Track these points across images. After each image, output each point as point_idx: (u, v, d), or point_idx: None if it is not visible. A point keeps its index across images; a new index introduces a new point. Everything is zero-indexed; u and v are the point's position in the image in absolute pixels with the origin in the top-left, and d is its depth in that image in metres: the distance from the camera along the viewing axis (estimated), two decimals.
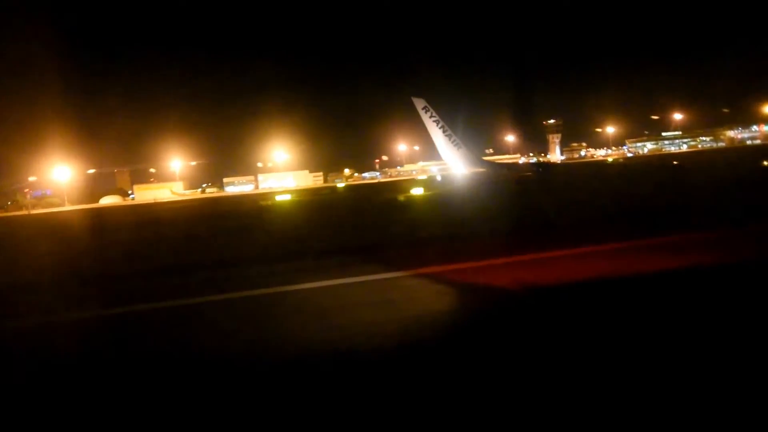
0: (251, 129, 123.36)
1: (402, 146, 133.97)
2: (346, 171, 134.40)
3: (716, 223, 11.84)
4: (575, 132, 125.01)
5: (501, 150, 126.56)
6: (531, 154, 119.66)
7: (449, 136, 45.23)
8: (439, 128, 45.23)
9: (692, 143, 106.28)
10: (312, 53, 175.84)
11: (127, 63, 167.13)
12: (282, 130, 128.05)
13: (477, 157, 52.25)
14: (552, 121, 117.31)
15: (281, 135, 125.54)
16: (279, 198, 48.78)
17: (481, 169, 46.17)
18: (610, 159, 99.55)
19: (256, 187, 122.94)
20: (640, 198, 20.19)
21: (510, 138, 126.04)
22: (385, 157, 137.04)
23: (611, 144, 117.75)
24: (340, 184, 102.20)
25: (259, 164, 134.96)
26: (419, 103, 45.66)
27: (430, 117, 45.43)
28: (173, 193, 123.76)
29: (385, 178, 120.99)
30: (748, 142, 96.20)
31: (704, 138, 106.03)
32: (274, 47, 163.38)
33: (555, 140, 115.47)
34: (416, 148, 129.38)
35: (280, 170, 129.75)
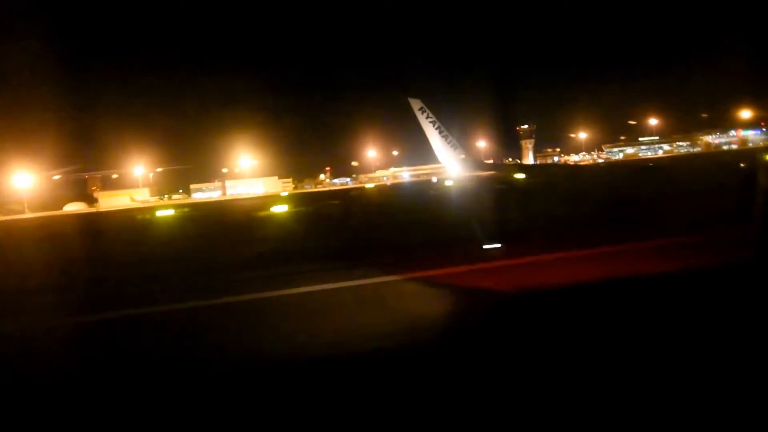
0: (222, 135, 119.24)
1: (372, 152, 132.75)
2: (321, 176, 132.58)
3: (669, 231, 11.87)
4: (550, 137, 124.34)
5: (472, 155, 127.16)
6: (510, 160, 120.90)
7: (446, 137, 44.07)
8: (436, 129, 44.04)
9: (668, 148, 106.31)
10: (282, 58, 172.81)
11: (96, 67, 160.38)
12: (253, 135, 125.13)
13: (475, 159, 51.33)
14: (525, 126, 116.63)
15: (252, 140, 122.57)
16: (160, 213, 46.21)
17: (488, 172, 45.11)
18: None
19: (224, 194, 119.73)
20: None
21: (481, 144, 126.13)
22: (354, 163, 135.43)
23: (588, 149, 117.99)
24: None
25: (224, 170, 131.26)
26: (415, 104, 44.39)
27: (427, 118, 44.20)
28: (132, 200, 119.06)
29: (356, 184, 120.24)
30: (725, 147, 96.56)
31: (681, 143, 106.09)
32: (244, 52, 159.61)
33: (528, 146, 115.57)
34: (395, 153, 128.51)
35: (249, 176, 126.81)
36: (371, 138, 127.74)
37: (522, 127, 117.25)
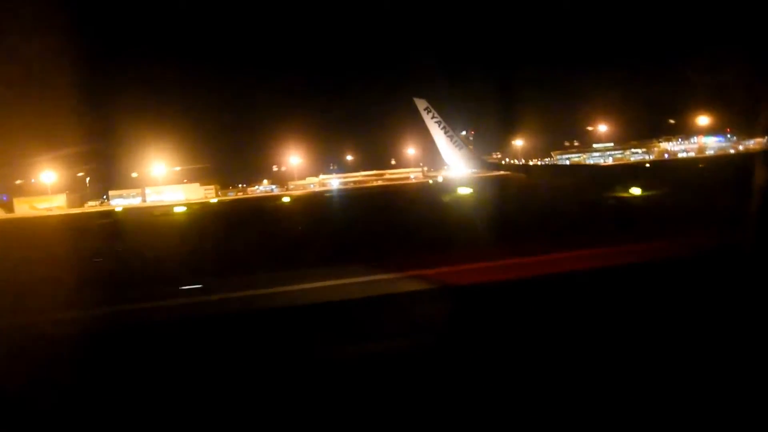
0: (148, 138, 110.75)
1: (294, 158, 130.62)
2: (265, 182, 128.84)
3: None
4: (496, 143, 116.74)
5: (404, 163, 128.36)
6: (445, 167, 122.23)
7: (451, 137, 44.62)
8: (441, 129, 44.37)
9: (619, 155, 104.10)
10: (212, 56, 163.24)
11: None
12: (177, 139, 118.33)
13: (480, 158, 52.29)
14: (464, 132, 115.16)
15: (178, 145, 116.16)
16: None
17: (496, 171, 46.20)
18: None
19: (144, 201, 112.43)
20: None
21: (411, 151, 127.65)
22: (283, 168, 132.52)
23: (537, 156, 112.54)
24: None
25: (134, 175, 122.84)
26: (421, 104, 44.52)
27: (432, 118, 44.47)
28: (32, 208, 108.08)
29: (283, 191, 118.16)
30: (680, 155, 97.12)
31: (636, 150, 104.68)
32: (171, 48, 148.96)
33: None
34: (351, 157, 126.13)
35: (164, 183, 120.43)
36: (300, 144, 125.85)
37: (461, 133, 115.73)
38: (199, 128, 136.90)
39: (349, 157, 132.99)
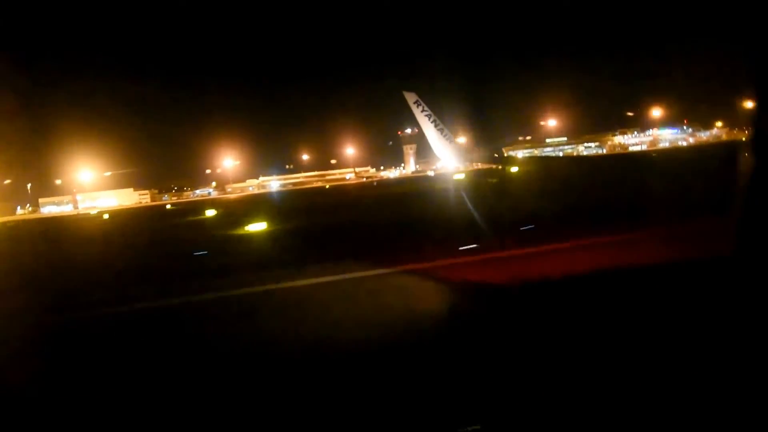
0: (81, 143, 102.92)
1: (229, 161, 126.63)
2: (212, 184, 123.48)
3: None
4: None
5: (346, 163, 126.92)
6: (383, 168, 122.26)
7: (441, 131, 45.04)
8: (431, 122, 44.69)
9: (569, 150, 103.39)
10: (146, 60, 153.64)
11: None
12: (114, 144, 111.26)
13: (470, 151, 52.89)
14: (408, 131, 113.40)
15: (115, 151, 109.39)
16: None
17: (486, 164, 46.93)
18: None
19: (75, 208, 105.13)
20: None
21: (350, 151, 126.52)
22: (209, 171, 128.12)
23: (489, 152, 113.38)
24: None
25: (58, 182, 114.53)
26: (411, 97, 44.65)
27: (422, 111, 44.69)
28: None
29: (221, 194, 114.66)
30: (631, 149, 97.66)
31: (590, 144, 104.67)
32: (99, 53, 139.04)
33: (410, 151, 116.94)
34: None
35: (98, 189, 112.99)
36: (242, 146, 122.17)
37: (404, 131, 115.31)
38: (138, 133, 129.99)
39: (305, 156, 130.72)
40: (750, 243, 6.70)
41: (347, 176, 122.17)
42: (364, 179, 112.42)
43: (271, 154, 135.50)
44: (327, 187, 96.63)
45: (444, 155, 46.05)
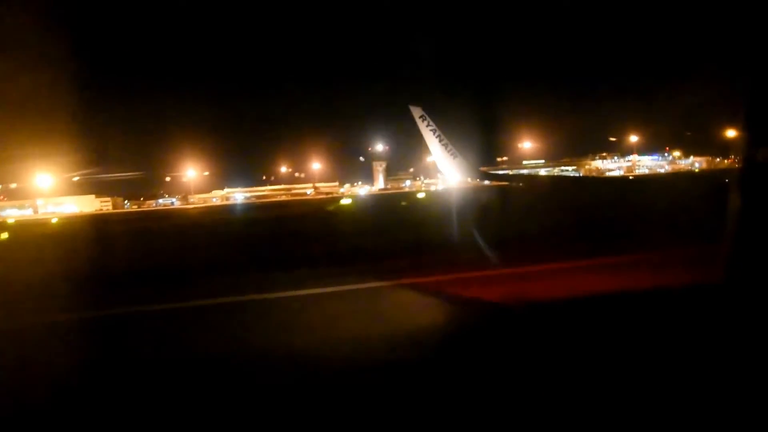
0: (38, 148, 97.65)
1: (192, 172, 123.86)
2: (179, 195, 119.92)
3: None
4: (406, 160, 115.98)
5: (313, 178, 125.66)
6: (358, 183, 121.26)
7: (446, 146, 45.00)
8: (436, 137, 44.55)
9: (544, 173, 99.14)
10: (118, 64, 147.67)
11: None
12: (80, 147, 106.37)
13: (475, 167, 52.72)
14: (379, 146, 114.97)
15: (82, 154, 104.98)
16: None
17: (492, 181, 46.97)
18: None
19: (35, 212, 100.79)
20: None
21: (316, 166, 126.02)
22: (168, 179, 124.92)
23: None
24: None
25: (13, 185, 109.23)
26: (416, 111, 44.43)
27: (427, 126, 44.55)
28: None
29: (184, 204, 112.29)
30: (608, 174, 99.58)
31: (567, 168, 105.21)
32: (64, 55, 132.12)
33: (379, 168, 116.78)
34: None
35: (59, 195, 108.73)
36: (208, 157, 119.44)
37: (374, 148, 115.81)
38: (113, 141, 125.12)
39: (284, 169, 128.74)
40: (734, 272, 6.75)
41: (308, 192, 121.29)
42: (324, 195, 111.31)
43: (248, 165, 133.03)
44: (284, 200, 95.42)
45: (447, 171, 45.95)
